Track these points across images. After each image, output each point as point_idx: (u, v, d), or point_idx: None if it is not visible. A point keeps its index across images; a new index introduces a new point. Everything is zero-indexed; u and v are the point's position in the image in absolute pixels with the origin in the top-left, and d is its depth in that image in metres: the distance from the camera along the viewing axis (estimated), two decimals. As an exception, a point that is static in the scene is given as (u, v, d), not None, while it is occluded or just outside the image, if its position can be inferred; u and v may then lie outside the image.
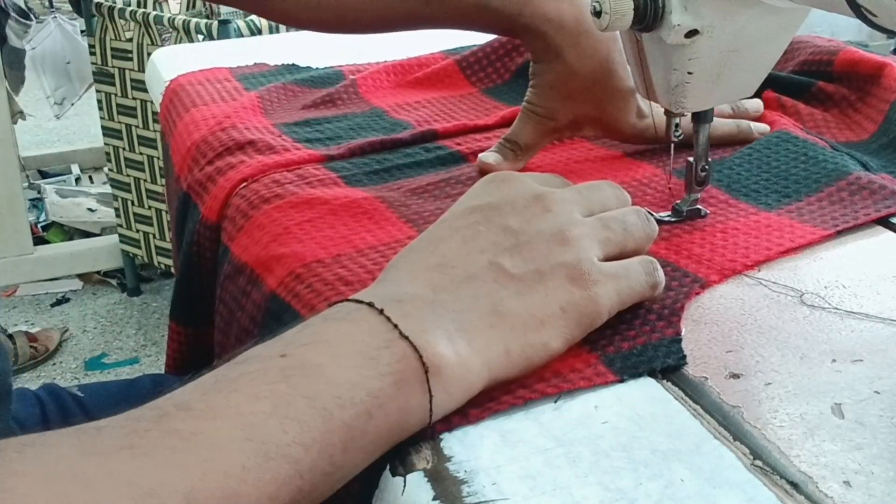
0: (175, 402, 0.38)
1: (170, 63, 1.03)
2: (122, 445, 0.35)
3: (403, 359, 0.41)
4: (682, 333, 0.49)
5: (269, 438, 0.37)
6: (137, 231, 2.31)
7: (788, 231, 0.59)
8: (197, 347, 0.76)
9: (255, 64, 0.98)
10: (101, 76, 2.21)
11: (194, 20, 1.87)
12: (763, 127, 0.71)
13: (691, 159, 0.61)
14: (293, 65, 0.98)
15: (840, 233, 0.59)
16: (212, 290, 0.69)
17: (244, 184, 0.69)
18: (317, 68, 0.97)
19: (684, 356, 0.47)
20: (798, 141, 0.69)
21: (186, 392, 0.39)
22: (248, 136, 0.77)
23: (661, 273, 0.50)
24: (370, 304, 0.43)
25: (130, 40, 2.11)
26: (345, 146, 0.75)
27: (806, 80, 0.79)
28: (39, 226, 2.64)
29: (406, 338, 0.41)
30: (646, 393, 0.45)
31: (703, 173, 0.61)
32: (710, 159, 0.61)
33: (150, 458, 0.35)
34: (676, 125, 0.61)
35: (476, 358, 0.43)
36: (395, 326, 0.42)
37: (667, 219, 0.61)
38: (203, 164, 0.76)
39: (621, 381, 0.45)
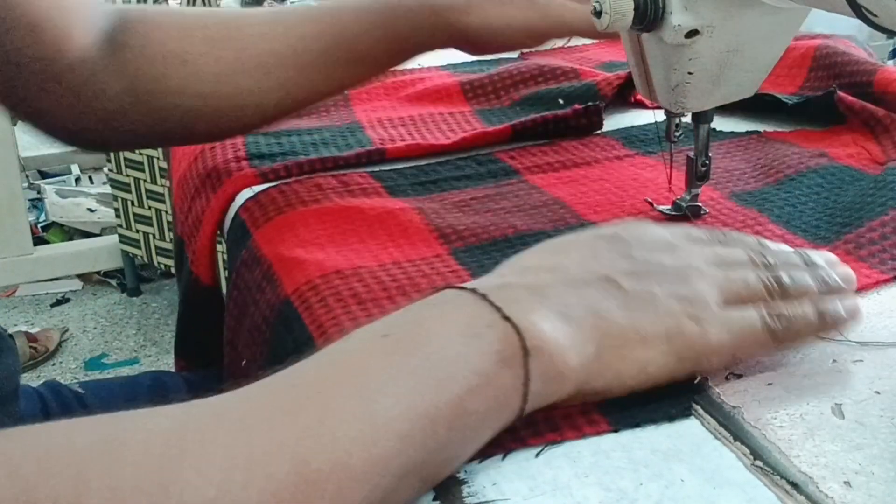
0: (281, 377, 0.39)
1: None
2: (229, 416, 0.36)
3: (505, 339, 0.40)
4: (698, 380, 0.45)
5: (376, 411, 0.37)
6: (137, 231, 2.31)
7: None
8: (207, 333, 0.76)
9: None
10: (101, 76, 2.21)
11: (194, 20, 1.87)
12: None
13: (692, 155, 0.61)
14: None
15: None
16: (214, 332, 0.69)
17: (217, 234, 0.69)
18: None
19: (690, 407, 0.43)
20: (871, 178, 0.65)
21: (290, 369, 0.39)
22: (218, 159, 0.76)
23: (792, 316, 0.46)
24: (473, 290, 0.42)
25: (130, 40, 2.11)
26: (281, 164, 0.73)
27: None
28: (39, 226, 2.64)
29: (508, 319, 0.41)
30: (646, 393, 0.45)
31: (704, 168, 0.61)
32: (710, 155, 0.61)
33: (256, 429, 0.35)
34: (677, 125, 0.61)
35: (573, 353, 0.42)
36: (498, 309, 0.41)
37: (668, 212, 0.62)
38: (187, 207, 0.75)
39: (615, 431, 0.42)
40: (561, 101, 0.85)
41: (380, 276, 0.56)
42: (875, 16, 0.44)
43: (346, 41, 0.69)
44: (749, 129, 0.77)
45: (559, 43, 0.93)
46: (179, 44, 0.66)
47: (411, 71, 0.95)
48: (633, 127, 0.80)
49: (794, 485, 0.39)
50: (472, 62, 0.98)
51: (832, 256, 0.50)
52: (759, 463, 0.40)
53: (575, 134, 0.78)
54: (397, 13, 0.69)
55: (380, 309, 0.53)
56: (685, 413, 0.43)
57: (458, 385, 0.39)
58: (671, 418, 0.43)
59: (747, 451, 0.41)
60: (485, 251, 0.59)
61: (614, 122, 0.82)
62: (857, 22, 0.46)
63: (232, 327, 0.64)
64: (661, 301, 0.44)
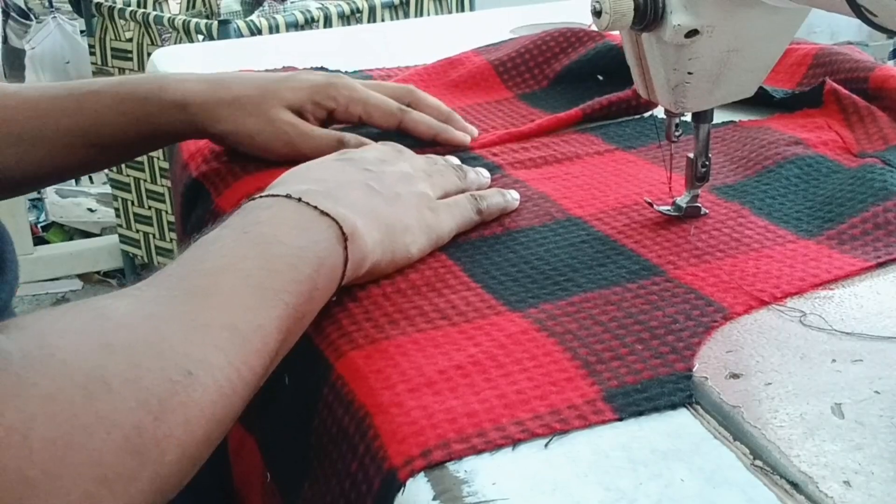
0: (188, 266, 0.49)
1: (170, 63, 1.03)
2: (172, 295, 0.46)
3: (329, 228, 0.52)
4: (695, 369, 0.47)
5: (267, 285, 0.48)
6: (137, 231, 2.31)
7: (826, 261, 0.56)
8: None
9: (284, 67, 0.96)
10: (102, 76, 2.21)
11: (194, 20, 1.87)
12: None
13: (691, 156, 0.61)
14: (322, 68, 0.96)
15: (882, 265, 0.56)
16: None
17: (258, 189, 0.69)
18: (345, 72, 0.95)
19: (691, 394, 0.45)
20: (848, 171, 0.66)
21: (190, 256, 0.50)
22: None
23: (488, 201, 0.62)
24: (287, 196, 0.53)
25: (130, 40, 2.11)
26: None
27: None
28: (39, 226, 2.64)
29: (326, 214, 0.52)
30: (646, 393, 0.45)
31: (704, 169, 0.61)
32: (710, 155, 0.61)
33: (195, 303, 0.46)
34: (677, 125, 0.61)
35: (368, 238, 0.54)
36: (315, 207, 0.52)
37: (667, 212, 0.62)
38: (223, 155, 0.76)
39: (620, 419, 0.43)
40: (600, 78, 0.86)
41: (377, 280, 0.56)
42: (875, 16, 0.44)
43: (87, 125, 0.71)
44: (725, 120, 0.78)
45: None
46: None
47: (440, 62, 0.94)
48: (611, 123, 0.80)
49: (794, 485, 0.39)
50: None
51: (483, 171, 0.68)
52: (759, 463, 0.40)
53: (635, 112, 0.80)
54: (148, 108, 0.71)
55: (377, 307, 0.53)
56: (686, 400, 0.45)
57: (308, 266, 0.50)
58: (673, 406, 0.44)
59: (747, 451, 0.41)
60: (475, 247, 0.60)
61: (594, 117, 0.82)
62: (857, 22, 0.46)
63: None
64: (405, 198, 0.58)
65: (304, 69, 0.95)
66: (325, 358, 0.50)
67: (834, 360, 0.47)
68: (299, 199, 0.52)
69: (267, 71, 0.95)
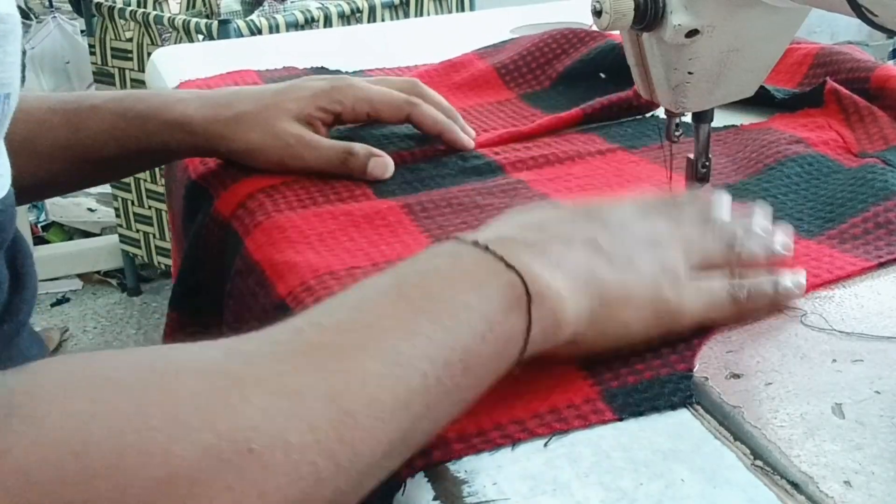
0: (307, 320, 0.41)
1: (170, 63, 1.03)
2: (265, 351, 0.38)
3: (511, 287, 0.43)
4: (696, 369, 0.46)
5: (399, 350, 0.39)
6: (137, 231, 2.31)
7: (827, 261, 0.55)
8: (193, 338, 0.75)
9: (285, 67, 0.97)
10: (101, 76, 2.21)
11: (194, 20, 1.87)
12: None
13: (691, 156, 0.61)
14: (322, 68, 0.96)
15: (883, 264, 0.55)
16: (216, 282, 0.69)
17: (264, 189, 0.69)
18: (346, 72, 0.95)
19: (692, 395, 0.44)
20: (849, 171, 0.66)
21: (314, 312, 0.42)
22: None
23: (752, 289, 0.50)
24: (474, 242, 0.44)
25: (130, 40, 2.11)
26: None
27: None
28: (39, 226, 2.63)
29: (512, 267, 0.43)
30: (646, 393, 0.45)
31: (704, 169, 0.61)
32: (710, 156, 0.61)
33: (291, 364, 0.38)
34: (677, 125, 0.61)
35: (570, 304, 0.44)
36: (501, 258, 0.43)
37: None
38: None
39: (620, 419, 0.43)
40: (603, 76, 0.86)
41: (373, 274, 0.56)
42: (875, 16, 0.44)
43: (85, 141, 0.70)
44: (726, 124, 0.78)
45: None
46: None
47: (441, 63, 0.94)
48: (613, 123, 0.80)
49: (794, 485, 0.39)
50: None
51: (766, 223, 0.54)
52: (759, 463, 0.40)
53: (637, 112, 0.80)
54: (148, 127, 0.70)
55: None
56: (687, 400, 0.44)
57: (470, 330, 0.41)
58: (673, 406, 0.44)
59: (747, 451, 0.41)
60: None
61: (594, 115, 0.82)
62: (857, 22, 0.46)
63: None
64: (641, 266, 0.48)
65: (304, 69, 0.95)
66: None
67: (834, 360, 0.47)
68: (486, 248, 0.44)
69: (267, 71, 0.95)
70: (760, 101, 0.75)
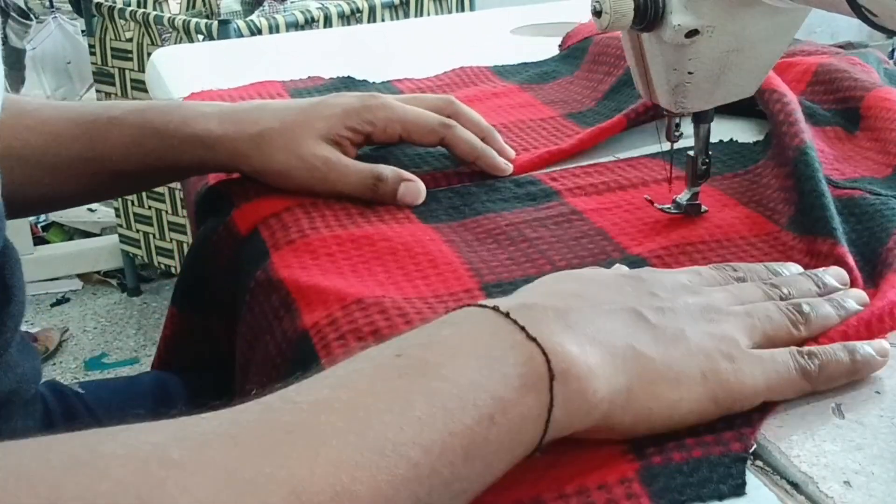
0: (280, 396, 0.36)
1: (170, 63, 1.03)
2: (220, 433, 0.33)
3: (530, 362, 0.38)
4: (752, 450, 0.41)
5: (385, 435, 0.34)
6: (137, 231, 2.31)
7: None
8: (192, 335, 0.74)
9: (309, 77, 0.94)
10: (102, 76, 2.21)
11: (194, 20, 1.87)
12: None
13: (692, 153, 0.61)
14: (349, 77, 0.93)
15: None
16: (219, 284, 0.67)
17: (287, 209, 0.66)
18: (373, 83, 0.93)
19: (744, 483, 0.38)
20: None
21: (292, 388, 0.37)
22: None
23: (822, 360, 0.44)
24: (494, 308, 0.40)
25: (130, 40, 2.11)
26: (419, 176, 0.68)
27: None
28: (39, 226, 2.63)
29: (534, 340, 0.38)
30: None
31: (704, 167, 0.61)
32: (710, 153, 0.61)
33: (251, 448, 0.33)
34: (677, 125, 0.61)
35: (603, 382, 0.39)
36: (523, 328, 0.39)
37: (667, 210, 0.62)
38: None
39: None
40: None
41: (404, 308, 0.52)
42: (875, 16, 0.44)
43: (98, 150, 0.67)
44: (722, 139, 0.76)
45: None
46: None
47: (476, 85, 0.92)
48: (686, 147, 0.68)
49: (794, 485, 0.39)
50: (518, 64, 0.97)
51: (842, 273, 0.50)
52: (759, 463, 0.40)
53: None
54: (168, 142, 0.67)
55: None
56: (737, 490, 0.38)
57: (476, 411, 0.36)
58: (721, 496, 0.38)
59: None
60: (518, 287, 0.54)
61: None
62: (857, 22, 0.46)
63: (244, 352, 0.60)
64: (692, 339, 0.42)
65: (331, 79, 0.92)
66: None
67: (834, 361, 0.47)
68: (507, 314, 0.39)
69: (292, 81, 0.92)
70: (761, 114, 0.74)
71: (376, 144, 0.71)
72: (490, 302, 0.41)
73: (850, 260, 0.53)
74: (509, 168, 0.70)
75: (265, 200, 0.67)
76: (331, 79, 0.93)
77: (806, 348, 0.44)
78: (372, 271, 0.57)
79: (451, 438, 0.35)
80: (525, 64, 0.98)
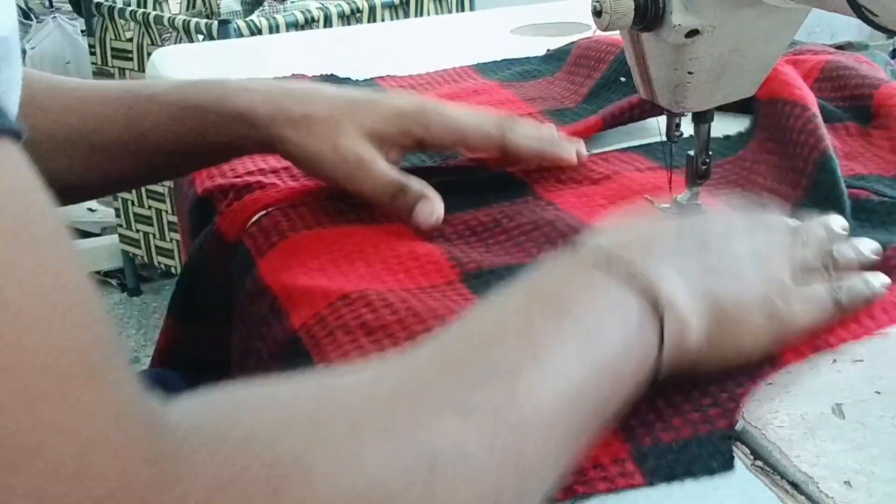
0: (463, 334, 0.40)
1: (170, 63, 1.03)
2: (436, 369, 0.38)
3: (644, 295, 0.42)
4: (738, 426, 0.42)
5: (556, 359, 0.39)
6: (137, 231, 2.31)
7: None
8: (187, 345, 0.74)
9: (293, 75, 0.94)
10: (102, 76, 2.21)
11: (194, 20, 1.87)
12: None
13: (692, 153, 0.61)
14: (332, 75, 0.94)
15: None
16: (215, 293, 0.67)
17: (267, 210, 0.65)
18: (355, 80, 0.93)
19: (732, 458, 0.40)
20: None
21: (457, 329, 0.41)
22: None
23: (851, 292, 0.49)
24: (596, 250, 0.44)
25: (130, 40, 2.11)
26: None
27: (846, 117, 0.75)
28: (39, 226, 2.63)
29: (640, 275, 0.42)
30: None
31: (704, 167, 0.61)
32: (710, 153, 0.61)
33: (463, 379, 0.37)
34: (677, 125, 0.61)
35: (696, 318, 0.43)
36: (627, 266, 0.43)
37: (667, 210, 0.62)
38: (229, 174, 0.72)
39: (650, 484, 0.39)
40: (623, 80, 0.82)
41: (388, 299, 0.53)
42: (875, 16, 0.44)
43: (138, 129, 0.65)
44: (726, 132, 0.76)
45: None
46: None
47: (457, 82, 0.92)
48: (656, 142, 0.73)
49: (794, 485, 0.39)
50: (501, 61, 0.97)
51: (845, 224, 0.54)
52: (759, 463, 0.40)
53: (660, 112, 0.71)
54: (208, 118, 0.64)
55: (391, 339, 0.49)
56: (727, 464, 0.40)
57: (611, 344, 0.40)
58: (711, 471, 0.40)
59: (747, 451, 0.41)
60: (500, 277, 0.55)
61: (636, 133, 0.76)
62: (857, 22, 0.46)
63: (239, 363, 0.61)
64: (750, 280, 0.46)
65: (313, 77, 0.92)
66: None
67: (834, 361, 0.47)
68: (609, 258, 0.43)
69: (275, 79, 0.93)
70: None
71: (426, 151, 0.69)
72: (587, 244, 0.45)
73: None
74: (573, 156, 0.68)
75: (245, 203, 0.67)
76: (314, 76, 0.93)
77: (836, 283, 0.49)
78: (354, 266, 0.57)
79: (601, 365, 0.40)
80: (508, 61, 0.98)
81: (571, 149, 0.69)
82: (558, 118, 0.81)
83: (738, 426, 0.42)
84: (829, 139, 0.65)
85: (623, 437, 0.41)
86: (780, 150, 0.67)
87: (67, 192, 0.69)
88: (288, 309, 0.55)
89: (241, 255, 0.65)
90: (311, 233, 0.62)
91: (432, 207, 0.62)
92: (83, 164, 0.66)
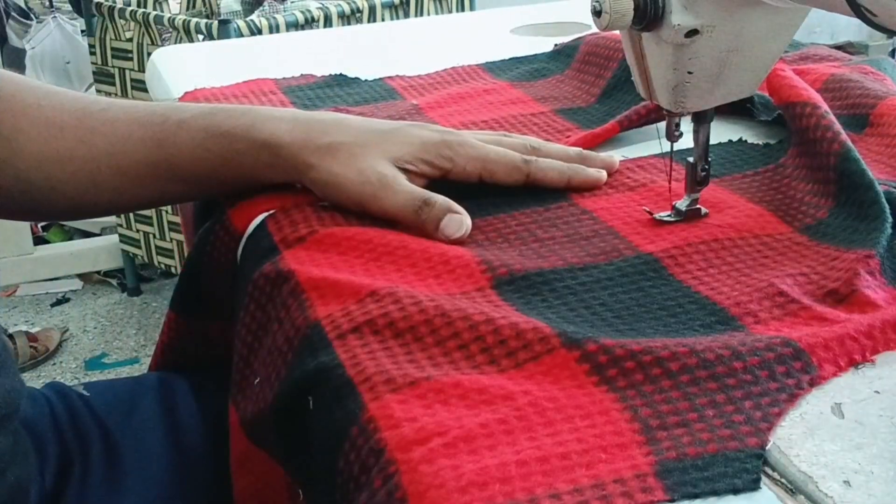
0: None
1: (170, 63, 1.03)
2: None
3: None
4: (770, 445, 0.41)
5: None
6: (137, 231, 2.31)
7: None
8: (190, 339, 0.74)
9: (302, 75, 0.94)
10: (101, 76, 2.21)
11: (194, 20, 1.87)
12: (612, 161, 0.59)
13: (691, 159, 0.61)
14: (341, 75, 0.93)
15: None
16: (219, 287, 0.67)
17: (271, 211, 0.65)
18: (365, 80, 0.93)
19: (759, 478, 0.39)
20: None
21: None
22: None
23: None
24: None
25: (130, 40, 2.11)
26: None
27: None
28: (39, 226, 2.64)
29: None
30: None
31: (703, 173, 0.61)
32: (710, 159, 0.61)
33: None
34: (677, 125, 0.61)
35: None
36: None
37: (667, 219, 0.61)
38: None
39: (671, 501, 0.38)
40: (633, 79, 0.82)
41: (417, 297, 0.52)
42: (875, 15, 0.44)
43: (165, 153, 0.67)
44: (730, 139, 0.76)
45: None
46: (12, 120, 0.66)
47: (467, 82, 0.92)
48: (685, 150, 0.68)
49: (794, 484, 0.39)
50: (508, 59, 0.97)
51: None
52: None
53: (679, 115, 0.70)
54: (236, 146, 0.66)
55: (419, 344, 0.49)
56: (752, 485, 0.39)
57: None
58: (735, 490, 0.38)
59: (747, 451, 0.41)
60: (530, 283, 0.54)
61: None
62: (857, 22, 0.46)
63: (248, 343, 0.60)
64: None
65: (323, 77, 0.93)
66: (359, 394, 0.46)
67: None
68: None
69: (284, 79, 0.92)
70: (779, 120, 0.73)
71: (451, 181, 0.67)
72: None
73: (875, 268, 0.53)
74: (603, 175, 0.67)
75: (260, 199, 0.67)
76: (323, 76, 0.93)
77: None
78: (384, 270, 0.57)
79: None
80: (516, 59, 0.98)
81: (602, 172, 0.68)
82: (571, 118, 0.81)
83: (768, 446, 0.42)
84: (844, 132, 0.64)
85: (648, 449, 0.40)
86: (805, 151, 0.67)
87: (92, 211, 0.71)
88: (312, 298, 0.54)
89: (256, 239, 0.64)
90: (340, 229, 0.61)
91: (461, 220, 0.61)
92: (109, 184, 0.67)
